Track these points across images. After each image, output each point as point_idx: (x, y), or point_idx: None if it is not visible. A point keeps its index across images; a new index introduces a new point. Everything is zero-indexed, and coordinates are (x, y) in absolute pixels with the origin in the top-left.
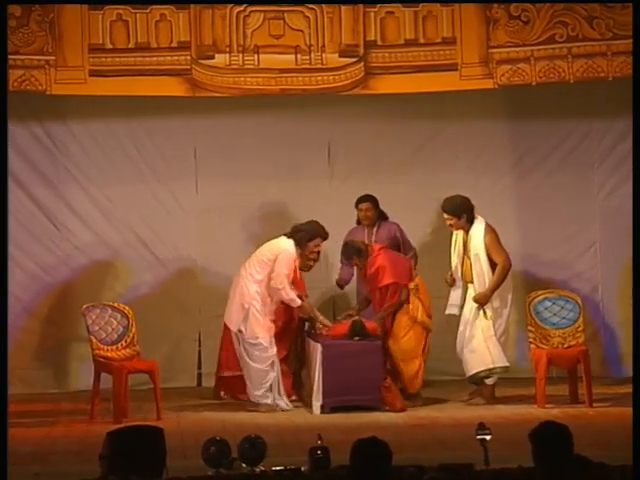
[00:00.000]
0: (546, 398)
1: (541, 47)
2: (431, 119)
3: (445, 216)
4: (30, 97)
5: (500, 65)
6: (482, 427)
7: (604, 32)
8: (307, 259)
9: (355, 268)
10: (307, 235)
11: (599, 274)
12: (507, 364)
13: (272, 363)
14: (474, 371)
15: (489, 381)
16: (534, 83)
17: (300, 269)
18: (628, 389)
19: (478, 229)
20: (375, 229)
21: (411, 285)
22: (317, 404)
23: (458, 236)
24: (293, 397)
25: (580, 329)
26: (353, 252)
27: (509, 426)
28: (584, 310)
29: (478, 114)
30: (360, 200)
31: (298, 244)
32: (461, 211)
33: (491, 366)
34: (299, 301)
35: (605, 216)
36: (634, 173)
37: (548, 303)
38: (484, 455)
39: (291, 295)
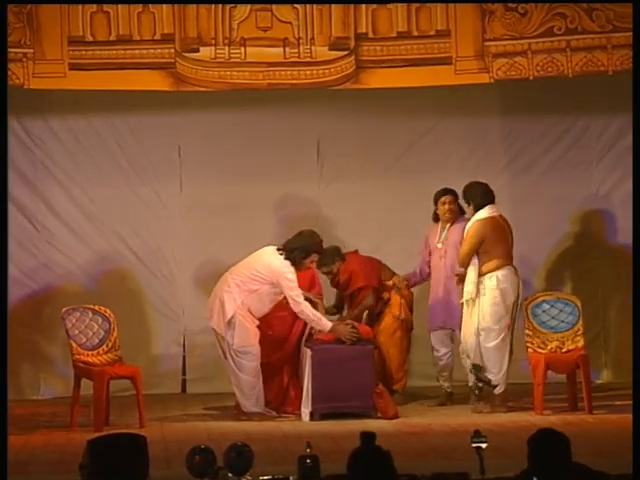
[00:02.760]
0: (544, 404)
1: (539, 40)
2: (423, 115)
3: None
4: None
5: (496, 59)
6: (478, 435)
7: (604, 24)
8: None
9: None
10: (301, 253)
11: (598, 275)
12: (478, 363)
13: (257, 373)
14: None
15: (496, 390)
16: (531, 77)
17: None
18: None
19: (473, 219)
20: (449, 225)
21: (390, 283)
22: (306, 411)
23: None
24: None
25: (579, 333)
26: (334, 258)
27: (505, 434)
28: (583, 313)
29: (472, 110)
30: (441, 193)
31: (294, 264)
32: (471, 197)
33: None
34: (329, 323)
35: (605, 215)
36: (634, 172)
37: (546, 306)
38: (480, 464)
39: (314, 317)
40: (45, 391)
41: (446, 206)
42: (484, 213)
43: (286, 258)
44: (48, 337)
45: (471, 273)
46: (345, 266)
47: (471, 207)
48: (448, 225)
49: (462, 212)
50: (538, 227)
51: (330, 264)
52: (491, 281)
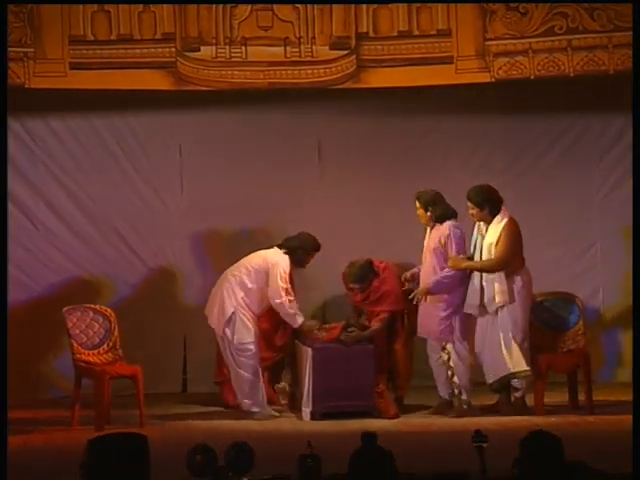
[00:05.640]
0: (545, 404)
1: (540, 39)
2: (425, 114)
3: (468, 204)
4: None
5: (497, 58)
6: (479, 434)
7: (605, 24)
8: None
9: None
10: (305, 252)
11: (600, 275)
12: (527, 368)
13: (258, 370)
14: (496, 377)
15: (518, 394)
16: (532, 77)
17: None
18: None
19: (499, 224)
20: (430, 230)
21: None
22: (307, 410)
23: (480, 229)
24: (282, 403)
25: (580, 332)
26: (368, 275)
27: (506, 433)
28: (584, 313)
29: (474, 109)
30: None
31: (297, 263)
32: (483, 201)
33: (511, 370)
34: (301, 320)
35: (606, 215)
36: (634, 171)
37: (547, 305)
38: (480, 464)
39: (291, 311)
40: (46, 390)
41: (416, 212)
42: (507, 214)
43: (286, 254)
44: (48, 336)
45: (500, 278)
46: (378, 284)
47: (485, 211)
48: (429, 230)
49: (437, 221)
50: (538, 226)
51: (364, 281)
52: (517, 284)
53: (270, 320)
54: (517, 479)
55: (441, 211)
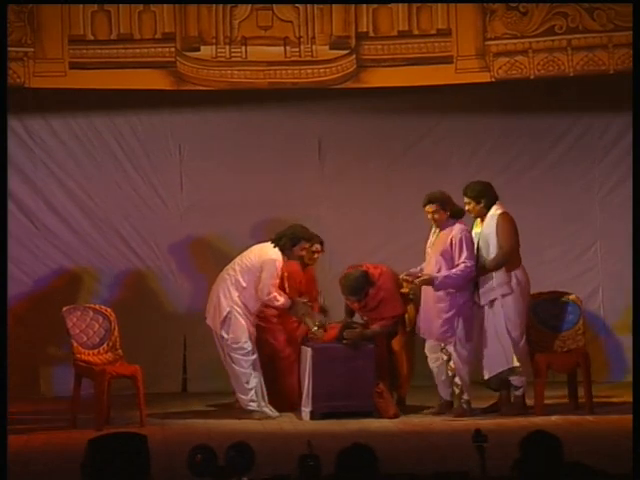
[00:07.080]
0: (545, 404)
1: (540, 39)
2: (425, 114)
3: (465, 200)
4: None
5: (497, 58)
6: (479, 434)
7: (605, 23)
8: (306, 259)
9: None
10: (290, 241)
11: (600, 275)
12: (517, 364)
13: (254, 367)
14: (492, 373)
15: (518, 392)
16: (532, 76)
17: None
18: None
19: (493, 216)
20: (439, 231)
21: (405, 291)
22: (306, 410)
23: (476, 225)
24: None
25: (580, 332)
26: (365, 287)
27: (507, 433)
28: (584, 313)
29: (474, 109)
30: (424, 202)
31: (283, 251)
32: (480, 195)
33: (505, 367)
34: (289, 301)
35: (606, 215)
36: (634, 171)
37: (547, 305)
38: (481, 463)
39: (280, 300)
40: (46, 390)
41: (429, 215)
42: (500, 208)
43: (275, 246)
44: (48, 336)
45: (500, 272)
46: (375, 292)
47: (481, 205)
48: (438, 231)
49: (453, 217)
50: (538, 226)
51: (360, 293)
52: (513, 280)
53: (289, 315)
54: (517, 479)
55: (456, 209)
